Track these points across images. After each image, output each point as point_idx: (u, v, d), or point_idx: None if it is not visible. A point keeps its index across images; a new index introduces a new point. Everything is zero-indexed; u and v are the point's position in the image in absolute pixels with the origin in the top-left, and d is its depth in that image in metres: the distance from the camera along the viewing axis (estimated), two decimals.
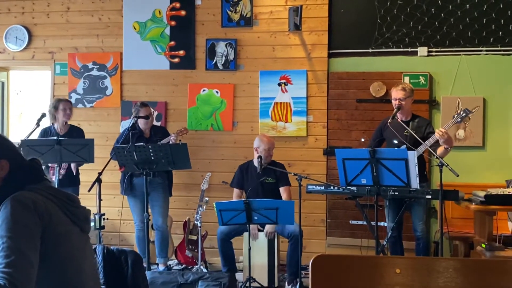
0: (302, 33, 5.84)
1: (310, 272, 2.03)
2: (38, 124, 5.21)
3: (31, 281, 1.38)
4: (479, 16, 5.56)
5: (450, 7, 5.60)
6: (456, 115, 4.43)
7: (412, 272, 1.99)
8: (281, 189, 5.00)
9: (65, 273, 1.48)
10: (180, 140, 5.17)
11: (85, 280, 1.51)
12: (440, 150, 4.41)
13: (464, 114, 4.37)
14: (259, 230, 4.86)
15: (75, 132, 5.39)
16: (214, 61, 6.02)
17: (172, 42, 6.11)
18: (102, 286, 2.15)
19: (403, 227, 4.80)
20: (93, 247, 2.31)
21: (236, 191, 5.12)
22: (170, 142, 5.07)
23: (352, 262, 2.08)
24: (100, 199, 4.59)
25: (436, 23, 5.63)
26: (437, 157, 4.26)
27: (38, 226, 1.41)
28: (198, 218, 4.94)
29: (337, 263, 2.05)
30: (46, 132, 5.37)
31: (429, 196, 4.17)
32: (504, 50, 5.54)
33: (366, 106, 5.72)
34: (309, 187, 4.58)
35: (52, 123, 5.40)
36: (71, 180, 5.26)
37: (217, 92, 6.01)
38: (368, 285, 2.02)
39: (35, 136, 5.23)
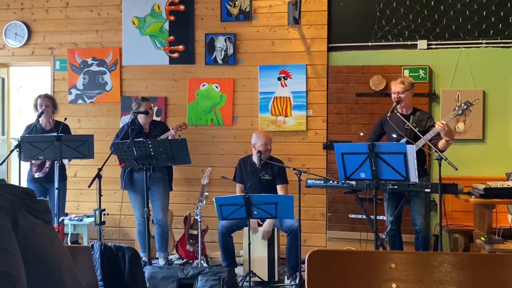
0: (301, 27, 5.82)
1: (306, 268, 2.04)
2: (38, 121, 5.22)
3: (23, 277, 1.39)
4: (479, 9, 5.53)
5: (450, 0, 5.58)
6: (457, 108, 4.42)
7: (407, 266, 2.00)
8: (278, 187, 5.00)
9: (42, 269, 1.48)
10: (179, 136, 5.17)
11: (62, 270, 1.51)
12: (441, 143, 4.41)
13: (465, 106, 4.36)
14: (259, 225, 4.87)
15: (59, 128, 5.18)
16: (214, 55, 6.01)
17: (171, 37, 6.10)
18: (99, 282, 2.16)
19: (403, 221, 4.80)
20: (91, 244, 2.33)
21: (239, 185, 5.13)
22: (169, 137, 5.07)
23: (348, 258, 2.09)
24: (100, 195, 4.60)
25: (436, 16, 5.61)
26: (436, 151, 4.25)
27: (8, 222, 1.41)
28: (198, 213, 4.95)
29: (332, 258, 2.06)
30: (30, 127, 5.30)
31: (428, 190, 4.17)
32: (504, 43, 5.51)
33: (365, 100, 5.71)
34: (309, 181, 4.59)
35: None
36: (61, 176, 5.06)
37: (216, 87, 6.01)
38: (364, 280, 2.03)
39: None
